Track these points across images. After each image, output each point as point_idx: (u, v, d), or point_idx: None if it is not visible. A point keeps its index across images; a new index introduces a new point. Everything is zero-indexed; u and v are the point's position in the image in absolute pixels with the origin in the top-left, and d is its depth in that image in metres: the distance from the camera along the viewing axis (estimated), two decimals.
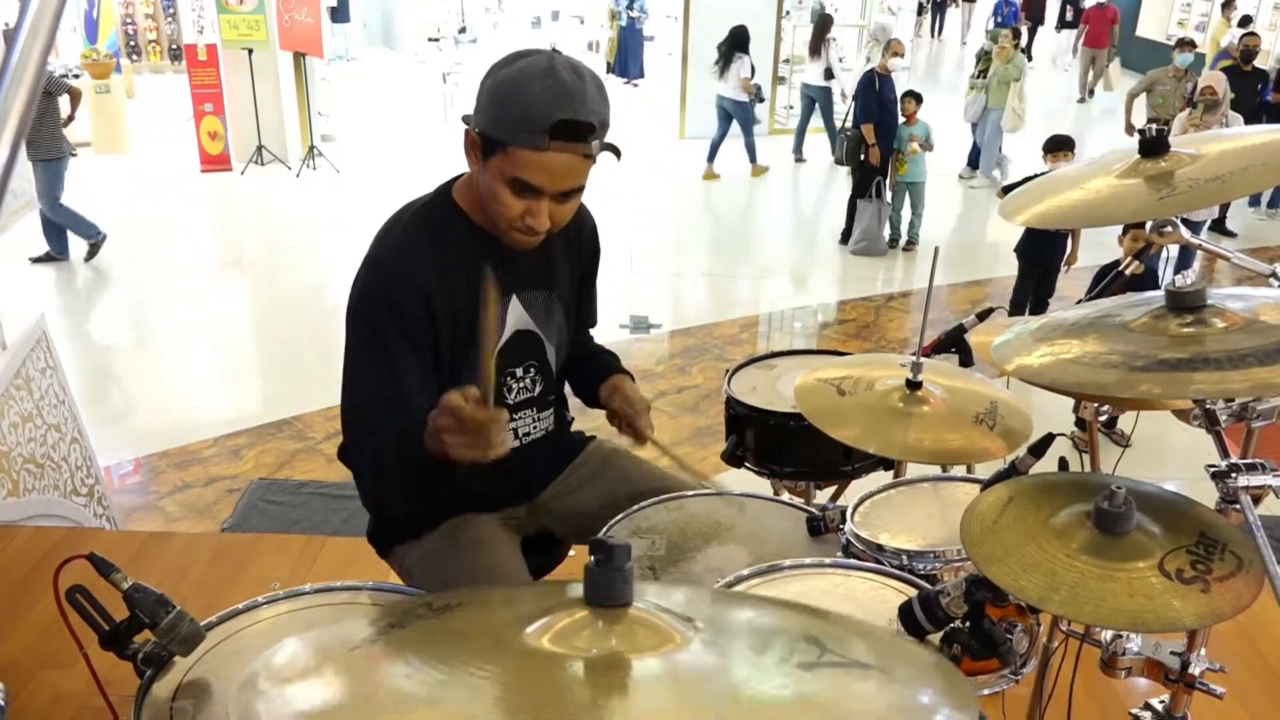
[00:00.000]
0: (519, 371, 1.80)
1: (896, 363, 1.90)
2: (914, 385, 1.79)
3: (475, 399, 1.39)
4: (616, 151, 1.62)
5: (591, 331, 2.07)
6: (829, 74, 10.05)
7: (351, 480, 1.81)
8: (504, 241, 1.66)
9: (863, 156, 7.56)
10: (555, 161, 1.52)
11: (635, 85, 15.12)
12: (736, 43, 9.41)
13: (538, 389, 1.84)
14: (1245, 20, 12.90)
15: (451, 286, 1.66)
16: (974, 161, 9.85)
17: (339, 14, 16.50)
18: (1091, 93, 14.59)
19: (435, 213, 1.71)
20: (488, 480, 1.81)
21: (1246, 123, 7.24)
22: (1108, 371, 1.19)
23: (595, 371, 1.96)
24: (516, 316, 1.77)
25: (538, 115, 1.49)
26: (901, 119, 7.43)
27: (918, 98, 7.52)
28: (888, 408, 1.79)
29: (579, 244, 1.87)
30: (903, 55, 7.94)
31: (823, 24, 10.05)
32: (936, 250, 1.83)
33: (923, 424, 1.75)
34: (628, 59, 15.26)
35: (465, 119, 1.63)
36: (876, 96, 7.50)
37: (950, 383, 1.87)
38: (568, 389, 2.00)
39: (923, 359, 1.83)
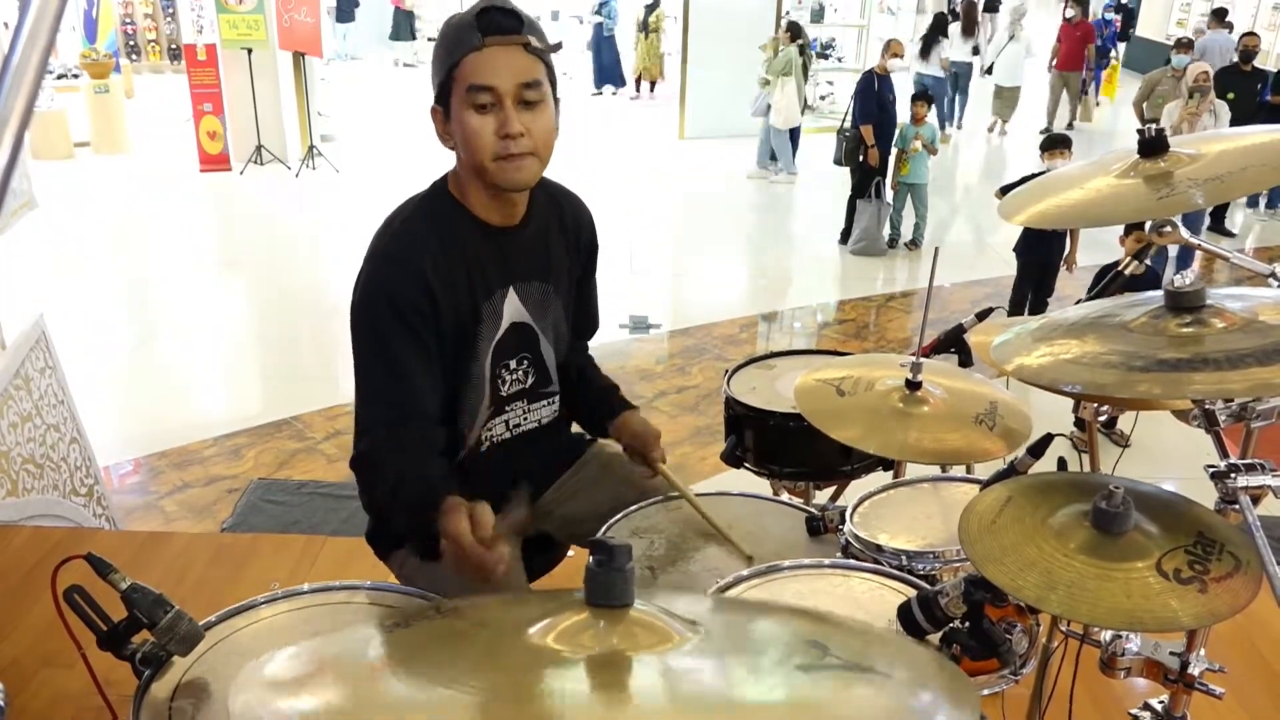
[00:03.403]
0: (512, 364, 1.80)
1: (896, 363, 1.90)
2: (914, 385, 1.79)
3: (483, 532, 1.43)
4: (558, 45, 1.66)
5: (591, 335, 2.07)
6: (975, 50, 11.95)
7: (351, 480, 1.81)
8: (497, 183, 1.64)
9: (861, 157, 7.56)
10: (497, 56, 1.57)
11: (614, 94, 14.75)
12: (939, 28, 11.37)
13: (530, 381, 1.84)
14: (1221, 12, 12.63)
15: (452, 276, 1.67)
16: (773, 155, 10.07)
17: (343, 13, 16.45)
18: (1070, 126, 12.27)
19: (432, 205, 1.72)
20: (485, 481, 1.81)
21: (1246, 123, 7.24)
22: (1107, 371, 1.19)
23: (601, 409, 1.96)
24: (512, 308, 1.77)
25: (465, 21, 1.57)
26: (909, 120, 7.42)
27: (928, 100, 7.49)
28: (888, 408, 1.79)
29: (577, 239, 1.87)
30: (902, 56, 7.94)
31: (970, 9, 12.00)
32: (936, 250, 1.83)
33: (922, 424, 1.75)
34: (603, 68, 14.82)
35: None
36: (876, 98, 7.49)
37: (950, 383, 1.87)
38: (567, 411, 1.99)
39: (922, 359, 1.83)
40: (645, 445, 1.89)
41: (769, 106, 9.58)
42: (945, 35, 11.29)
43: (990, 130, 12.48)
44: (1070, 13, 11.99)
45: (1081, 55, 12.02)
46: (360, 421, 1.69)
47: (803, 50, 9.63)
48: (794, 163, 9.92)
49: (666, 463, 1.90)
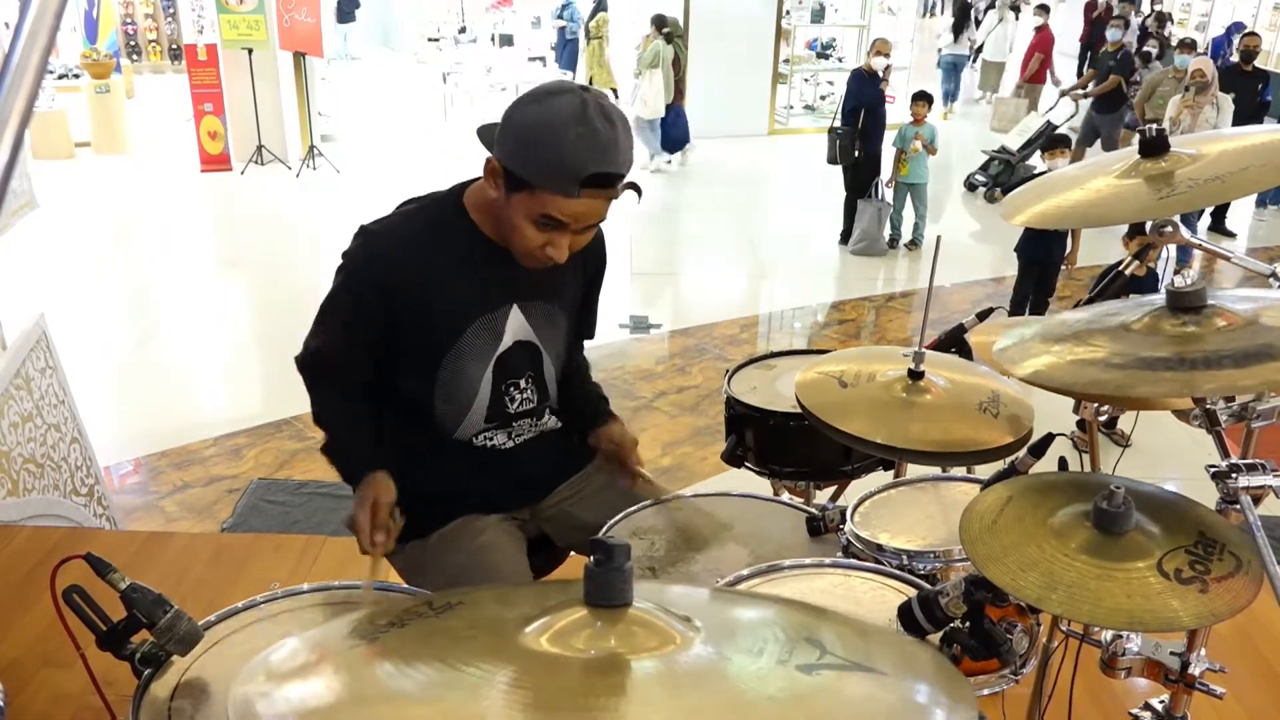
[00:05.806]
0: (522, 383, 1.81)
1: (897, 354, 1.88)
2: (916, 375, 1.77)
3: (380, 518, 1.68)
4: (638, 190, 1.62)
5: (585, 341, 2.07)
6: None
7: None
8: (515, 258, 1.67)
9: (856, 153, 7.54)
10: (583, 206, 1.54)
11: None
12: (967, 12, 12.81)
13: (535, 399, 1.85)
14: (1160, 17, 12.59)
15: (437, 283, 1.68)
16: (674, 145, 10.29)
17: (344, 14, 16.36)
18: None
19: (442, 211, 1.72)
20: (491, 481, 1.82)
21: (1246, 123, 7.24)
22: (1112, 372, 1.19)
23: (587, 417, 1.98)
24: (516, 326, 1.77)
25: (571, 166, 1.49)
26: (909, 120, 7.41)
27: (928, 99, 7.47)
28: (891, 398, 1.76)
29: (585, 253, 1.86)
30: (887, 55, 7.91)
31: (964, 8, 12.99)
32: (939, 239, 1.80)
33: (926, 414, 1.73)
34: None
35: (483, 135, 1.63)
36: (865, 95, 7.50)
37: (951, 374, 1.85)
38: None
39: (924, 350, 1.81)
40: (623, 452, 1.92)
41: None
42: (977, 21, 13.03)
43: (981, 99, 13.75)
44: (1037, 20, 11.72)
45: (1044, 67, 11.59)
46: (308, 340, 1.84)
47: (670, 40, 9.64)
48: (662, 151, 10.05)
49: (643, 466, 1.93)
